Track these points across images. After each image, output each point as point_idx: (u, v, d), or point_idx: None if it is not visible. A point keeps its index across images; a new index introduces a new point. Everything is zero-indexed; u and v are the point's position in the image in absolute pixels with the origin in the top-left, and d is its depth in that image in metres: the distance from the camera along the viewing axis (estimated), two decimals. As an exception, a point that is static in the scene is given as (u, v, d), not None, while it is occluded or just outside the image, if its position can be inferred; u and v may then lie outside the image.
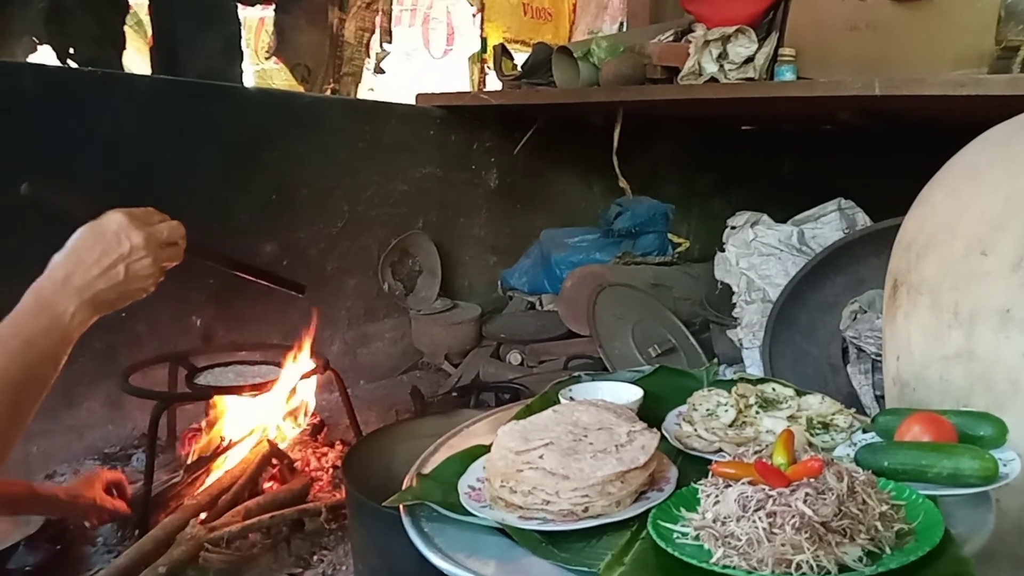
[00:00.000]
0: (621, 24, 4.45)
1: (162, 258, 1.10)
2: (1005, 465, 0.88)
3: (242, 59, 2.94)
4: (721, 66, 2.61)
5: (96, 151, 2.13)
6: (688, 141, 4.22)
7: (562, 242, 3.42)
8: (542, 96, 3.04)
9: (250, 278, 1.55)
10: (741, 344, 2.67)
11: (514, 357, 2.92)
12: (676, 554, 0.79)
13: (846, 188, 2.86)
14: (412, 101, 3.23)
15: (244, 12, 3.17)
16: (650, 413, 1.17)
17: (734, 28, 2.56)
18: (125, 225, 1.05)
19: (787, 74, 2.49)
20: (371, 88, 3.77)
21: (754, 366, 2.55)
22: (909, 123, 3.08)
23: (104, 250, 1.03)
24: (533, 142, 3.46)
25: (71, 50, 2.56)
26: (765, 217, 2.81)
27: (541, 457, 0.95)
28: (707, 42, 2.61)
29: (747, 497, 0.80)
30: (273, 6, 3.29)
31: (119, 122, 2.19)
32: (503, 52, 3.43)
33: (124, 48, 2.72)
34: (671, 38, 2.88)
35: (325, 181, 2.79)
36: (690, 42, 2.70)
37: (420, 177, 3.15)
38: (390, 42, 3.73)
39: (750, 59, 2.59)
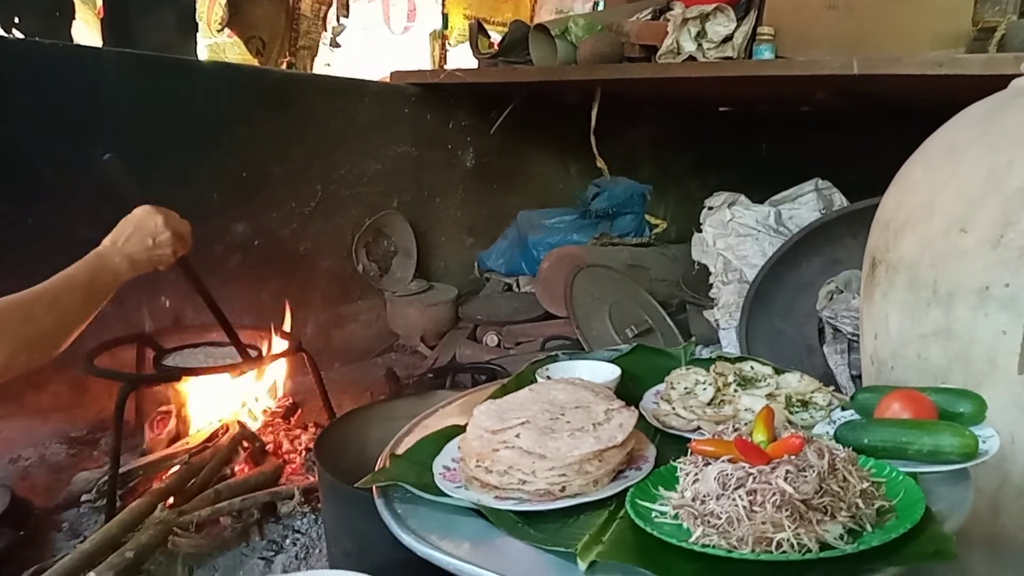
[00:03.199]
0: (596, 4, 4.41)
1: (175, 240, 1.49)
2: (984, 442, 0.87)
3: (196, 31, 2.85)
4: (699, 45, 2.58)
5: (49, 127, 2.06)
6: (665, 122, 4.20)
7: (539, 223, 3.39)
8: (519, 74, 3.00)
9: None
10: (718, 324, 2.67)
11: (491, 339, 2.90)
12: (655, 533, 0.78)
13: (822, 169, 2.86)
14: (371, 76, 3.17)
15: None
16: (627, 392, 1.15)
17: (713, 6, 2.53)
18: (153, 212, 1.47)
19: (765, 53, 2.47)
20: (327, 63, 3.69)
21: (730, 346, 2.55)
22: (885, 104, 3.08)
23: (139, 226, 1.44)
24: (510, 122, 3.42)
25: (16, 19, 2.46)
26: (742, 198, 2.81)
27: (517, 436, 0.93)
28: (685, 20, 2.58)
29: (727, 475, 0.78)
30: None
31: (73, 96, 2.11)
32: (479, 30, 3.38)
33: (73, 18, 2.62)
34: (649, 16, 2.85)
35: (297, 159, 2.73)
36: (668, 20, 2.67)
37: (395, 156, 3.10)
38: (347, 16, 3.67)
39: (728, 38, 2.56)
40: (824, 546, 0.72)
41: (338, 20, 3.63)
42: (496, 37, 3.33)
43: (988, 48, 2.19)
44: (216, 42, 3.36)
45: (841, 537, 0.73)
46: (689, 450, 0.89)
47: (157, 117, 2.30)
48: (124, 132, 2.22)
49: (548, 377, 1.20)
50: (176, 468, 1.80)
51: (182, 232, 1.53)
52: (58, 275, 1.30)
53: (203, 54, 3.16)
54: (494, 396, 1.11)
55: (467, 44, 3.94)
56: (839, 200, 2.77)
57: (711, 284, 2.76)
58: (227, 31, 3.29)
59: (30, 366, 1.20)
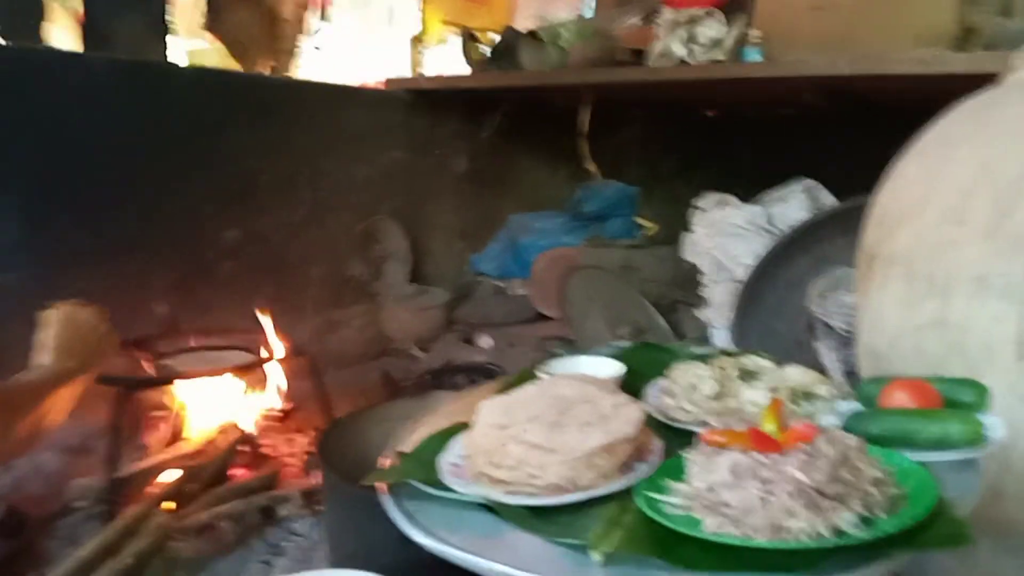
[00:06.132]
0: (581, 11, 4.43)
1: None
2: (990, 429, 0.88)
3: (167, 35, 2.81)
4: (690, 49, 2.61)
5: (30, 136, 2.05)
6: (653, 126, 4.22)
7: (530, 226, 3.40)
8: (513, 78, 3.01)
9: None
10: (710, 323, 2.69)
11: (485, 341, 2.90)
12: (668, 524, 0.78)
13: (808, 170, 2.88)
14: (351, 80, 3.17)
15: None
16: (629, 387, 1.16)
17: (703, 10, 2.56)
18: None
19: (754, 55, 2.49)
20: (304, 67, 3.69)
21: (723, 345, 2.56)
22: (870, 105, 3.11)
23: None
24: (500, 126, 3.43)
25: None
26: (732, 198, 2.82)
27: (525, 431, 0.93)
28: (676, 24, 2.61)
29: (739, 464, 0.79)
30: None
31: (54, 104, 2.10)
32: (470, 37, 3.39)
33: (43, 20, 2.56)
34: (639, 21, 2.88)
35: (287, 166, 2.73)
36: (658, 25, 2.69)
37: (386, 162, 3.10)
38: (327, 20, 3.67)
39: (718, 42, 2.59)
40: (838, 533, 0.73)
41: (319, 22, 3.62)
42: (455, 41, 3.33)
43: (972, 47, 2.21)
44: (196, 47, 3.35)
45: (855, 524, 0.74)
46: (695, 443, 0.90)
47: (144, 125, 2.29)
48: (109, 140, 2.21)
49: (550, 374, 1.21)
50: (174, 473, 1.78)
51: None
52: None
53: (182, 59, 3.13)
54: (499, 393, 1.12)
55: (443, 48, 3.96)
56: (826, 199, 2.79)
57: (702, 284, 2.77)
58: (207, 35, 3.28)
59: None
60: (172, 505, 1.65)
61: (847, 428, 0.92)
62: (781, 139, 3.91)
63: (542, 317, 3.00)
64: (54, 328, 1.28)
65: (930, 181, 1.26)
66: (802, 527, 0.73)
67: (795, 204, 2.82)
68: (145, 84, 2.31)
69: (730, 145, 4.27)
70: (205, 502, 1.67)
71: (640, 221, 3.52)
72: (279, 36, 3.29)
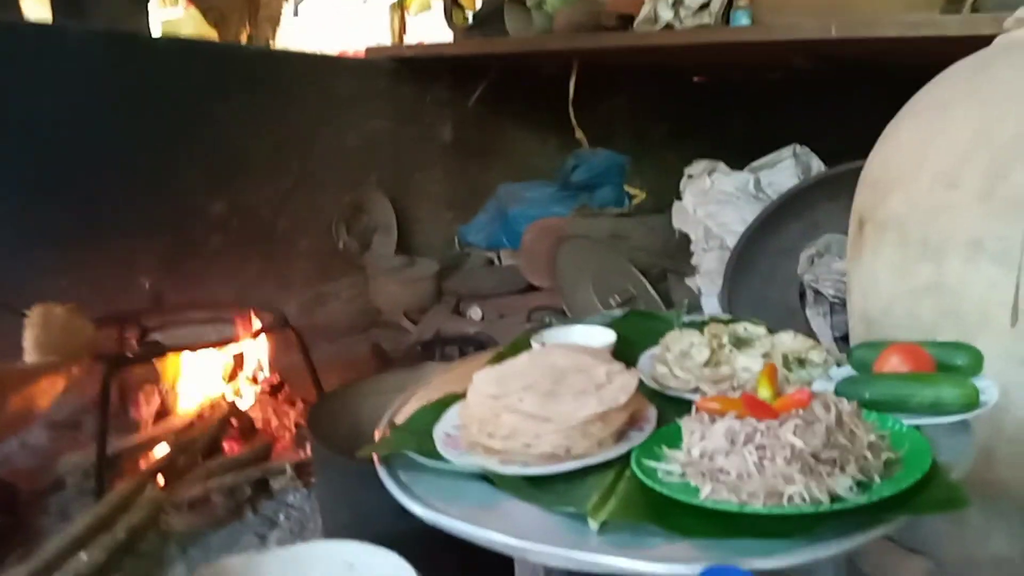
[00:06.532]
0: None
1: None
2: (984, 393, 0.88)
3: (147, 3, 2.75)
4: (676, 13, 2.57)
5: (7, 112, 2.01)
6: (642, 93, 4.19)
7: (519, 196, 3.37)
8: (497, 45, 2.97)
9: None
10: (700, 291, 2.68)
11: (475, 312, 2.89)
12: (664, 492, 0.78)
13: (798, 136, 2.86)
14: (331, 48, 3.12)
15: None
16: (622, 356, 1.15)
17: (690, -27, 2.51)
18: None
19: (743, 19, 2.46)
20: (283, 35, 3.61)
21: (713, 313, 2.56)
22: (860, 69, 3.09)
23: None
24: (487, 95, 3.39)
25: None
26: (722, 165, 2.81)
27: (520, 401, 0.92)
28: (662, -13, 2.57)
29: (735, 431, 0.79)
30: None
31: (31, 77, 2.05)
32: (453, 3, 3.33)
33: None
34: (625, -15, 2.83)
35: (273, 137, 2.69)
36: (645, -12, 2.65)
37: (372, 132, 3.06)
38: None
39: (705, 5, 2.55)
40: (835, 498, 0.73)
41: None
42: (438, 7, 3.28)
43: (961, 11, 2.19)
44: (172, 16, 3.27)
45: (851, 489, 0.74)
46: (691, 410, 0.89)
47: (128, 98, 2.24)
48: (93, 114, 2.16)
49: (543, 344, 1.20)
50: (164, 447, 1.77)
51: None
52: None
53: (157, 28, 3.06)
54: (492, 363, 1.11)
55: (426, 14, 3.90)
56: (817, 165, 2.78)
57: (692, 252, 2.77)
58: (182, 3, 3.21)
59: None
60: (163, 479, 1.65)
61: (841, 393, 0.92)
62: (773, 105, 3.89)
63: (532, 287, 2.99)
64: (33, 330, 1.40)
65: (924, 145, 1.25)
66: (799, 492, 0.73)
67: (785, 170, 2.81)
68: (125, 55, 2.26)
69: (721, 112, 4.25)
70: (197, 476, 1.67)
71: (629, 190, 3.50)
72: (257, 3, 3.23)
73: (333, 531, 1.47)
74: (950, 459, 0.81)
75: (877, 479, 0.76)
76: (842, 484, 0.74)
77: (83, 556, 1.42)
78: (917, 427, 0.84)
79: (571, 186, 3.38)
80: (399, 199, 3.20)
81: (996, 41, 1.34)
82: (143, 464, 1.71)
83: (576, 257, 2.78)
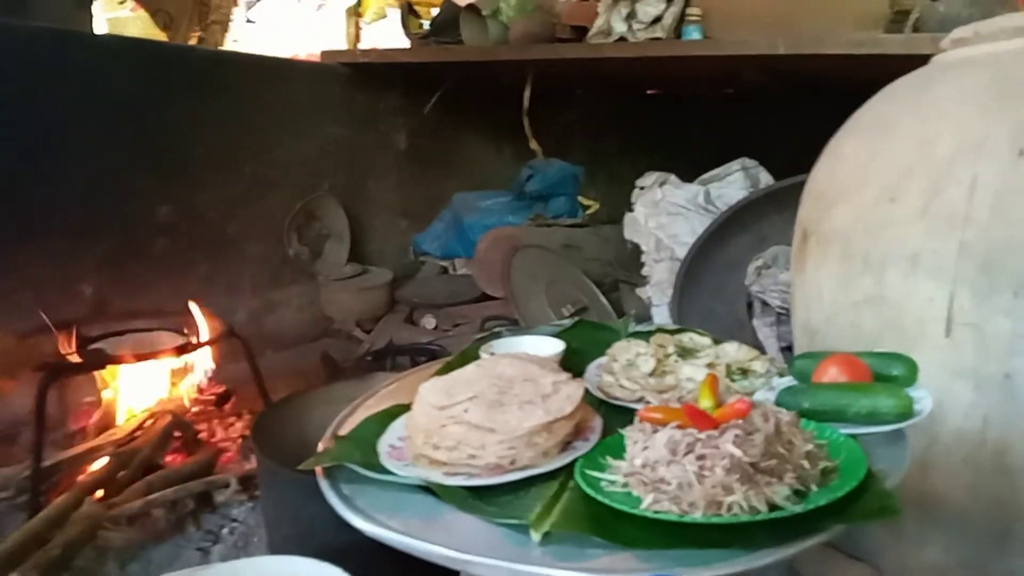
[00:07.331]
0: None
1: None
2: (918, 402, 0.90)
3: (91, 2, 2.70)
4: (630, 26, 2.60)
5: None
6: (596, 104, 4.23)
7: (474, 205, 3.37)
8: (453, 53, 2.97)
9: None
10: (650, 302, 2.71)
11: (428, 321, 2.88)
12: (606, 502, 0.78)
13: (748, 149, 2.92)
14: (285, 53, 3.09)
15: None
16: (570, 366, 1.15)
17: (643, -14, 2.55)
18: None
19: (694, 33, 2.50)
20: (235, 40, 3.57)
21: (663, 323, 2.59)
22: (808, 84, 3.16)
23: None
24: (443, 104, 3.38)
25: None
26: (673, 177, 2.84)
27: (466, 411, 0.92)
28: (616, 1, 2.60)
29: (676, 441, 0.79)
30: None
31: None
32: (409, 10, 3.33)
33: None
34: (580, -3, 2.86)
35: (223, 141, 2.64)
36: (599, 1, 2.68)
37: (326, 138, 3.03)
38: None
39: (658, 19, 2.59)
40: (773, 507, 0.74)
41: None
42: (394, 15, 3.27)
43: (904, 30, 2.26)
44: (118, 16, 3.21)
45: (788, 498, 0.75)
46: (635, 420, 0.90)
47: (71, 96, 2.18)
48: (32, 111, 2.10)
49: (492, 353, 1.20)
50: (104, 460, 1.72)
51: None
52: None
53: (103, 28, 2.99)
54: (439, 373, 1.10)
55: (383, 22, 3.88)
56: (765, 178, 2.83)
57: (643, 263, 2.79)
58: (130, 4, 3.14)
59: None
60: (102, 493, 1.60)
61: (781, 403, 0.93)
62: (726, 119, 3.96)
63: (486, 297, 2.98)
64: None
65: (868, 160, 1.28)
66: (738, 501, 0.73)
67: (734, 183, 2.85)
68: (69, 54, 2.20)
69: (674, 125, 4.31)
70: (138, 489, 1.62)
71: (583, 200, 3.52)
72: (208, 7, 3.18)
73: (278, 545, 1.45)
74: (886, 468, 0.83)
75: (814, 488, 0.77)
76: (780, 493, 0.75)
77: None
78: (854, 436, 0.86)
79: (526, 196, 3.40)
80: (352, 206, 3.17)
81: (934, 60, 1.38)
82: (81, 477, 1.66)
83: (530, 267, 2.79)
